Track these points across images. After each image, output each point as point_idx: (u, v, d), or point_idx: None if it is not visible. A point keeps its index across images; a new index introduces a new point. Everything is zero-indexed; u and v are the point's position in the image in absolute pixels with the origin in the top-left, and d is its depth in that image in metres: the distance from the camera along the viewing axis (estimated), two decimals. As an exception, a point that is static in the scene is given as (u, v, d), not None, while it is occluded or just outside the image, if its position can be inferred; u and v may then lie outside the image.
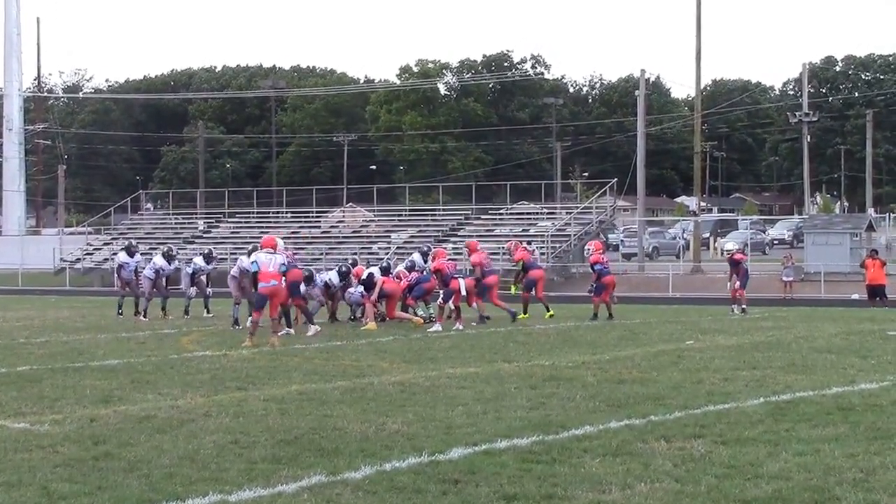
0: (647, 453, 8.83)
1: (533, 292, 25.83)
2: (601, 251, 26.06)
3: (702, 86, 58.76)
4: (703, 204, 69.21)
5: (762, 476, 8.05)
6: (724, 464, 8.45)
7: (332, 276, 23.87)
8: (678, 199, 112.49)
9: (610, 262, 27.93)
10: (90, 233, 63.09)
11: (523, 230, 50.36)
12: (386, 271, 23.72)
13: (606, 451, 8.90)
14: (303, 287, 21.89)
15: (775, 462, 8.52)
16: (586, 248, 26.57)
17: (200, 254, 28.54)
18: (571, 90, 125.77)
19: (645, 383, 13.05)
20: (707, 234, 62.23)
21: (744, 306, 27.38)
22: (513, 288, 26.78)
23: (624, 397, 11.86)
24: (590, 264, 25.87)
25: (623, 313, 26.06)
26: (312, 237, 54.35)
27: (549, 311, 25.34)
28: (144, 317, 25.48)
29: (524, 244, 28.72)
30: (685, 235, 60.53)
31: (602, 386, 12.81)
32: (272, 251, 19.02)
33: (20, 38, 72.97)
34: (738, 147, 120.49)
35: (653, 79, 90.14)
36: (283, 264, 19.05)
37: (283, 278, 19.14)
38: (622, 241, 63.50)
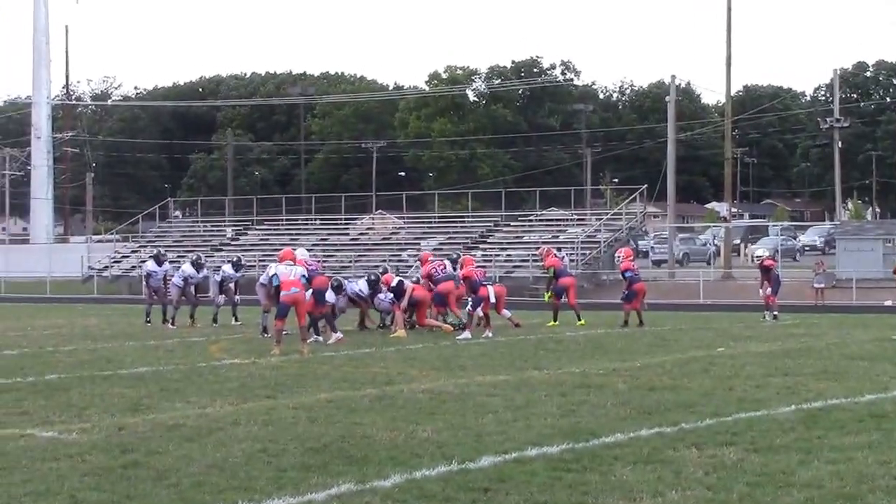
0: (678, 461, 8.77)
1: (564, 300, 25.73)
2: (631, 258, 25.98)
3: (732, 92, 58.48)
4: (733, 210, 68.75)
5: (794, 484, 8.00)
6: (756, 472, 8.39)
7: (362, 286, 23.84)
8: (709, 206, 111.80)
9: (640, 269, 27.81)
10: (118, 240, 63.13)
11: (553, 237, 50.21)
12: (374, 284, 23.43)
13: (637, 458, 8.85)
14: (332, 295, 21.86)
15: (807, 470, 8.45)
16: (616, 255, 26.48)
17: (229, 261, 28.57)
18: (601, 96, 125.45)
19: (676, 390, 12.98)
20: (738, 241, 61.86)
21: (775, 313, 27.24)
22: (545, 296, 26.64)
23: (655, 404, 11.79)
24: (621, 271, 25.77)
25: (653, 320, 25.93)
26: (341, 244, 54.39)
27: (580, 319, 25.23)
28: (173, 325, 25.55)
29: (555, 251, 28.63)
30: (716, 242, 60.22)
31: (633, 393, 12.76)
32: (291, 263, 19.11)
33: (48, 47, 73.18)
34: (769, 153, 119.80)
35: (683, 85, 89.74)
36: (304, 275, 19.11)
37: (306, 287, 19.21)
38: (652, 247, 63.24)
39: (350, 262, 49.03)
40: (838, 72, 67.46)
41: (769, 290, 27.46)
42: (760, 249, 31.94)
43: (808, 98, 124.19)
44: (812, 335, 22.12)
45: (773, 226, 75.35)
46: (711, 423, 10.56)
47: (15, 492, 7.84)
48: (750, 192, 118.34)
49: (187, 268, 26.63)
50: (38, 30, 72.27)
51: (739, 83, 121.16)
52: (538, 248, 33.35)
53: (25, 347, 19.88)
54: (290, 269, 18.79)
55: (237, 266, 27.46)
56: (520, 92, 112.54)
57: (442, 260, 25.31)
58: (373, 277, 24.05)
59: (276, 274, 18.93)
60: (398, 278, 23.83)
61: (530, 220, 54.24)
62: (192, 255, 28.92)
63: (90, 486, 7.99)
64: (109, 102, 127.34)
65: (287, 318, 18.65)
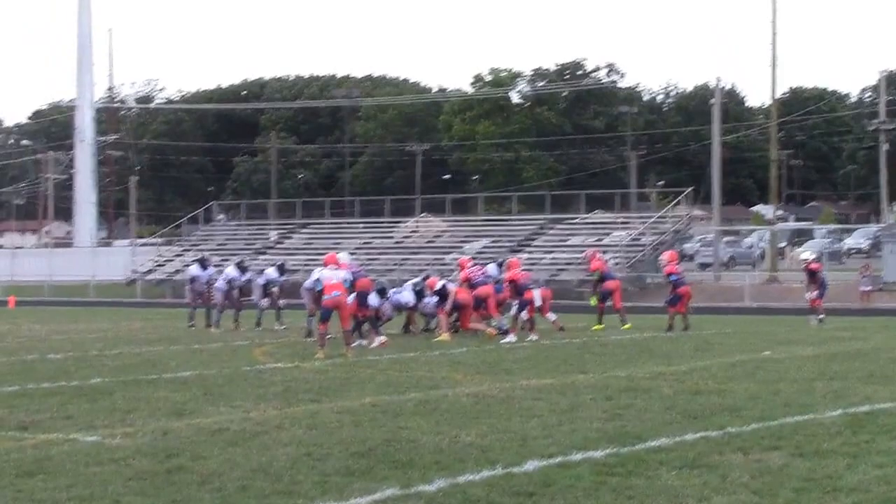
0: (724, 465, 8.72)
1: (610, 303, 25.64)
2: (676, 262, 25.84)
3: (778, 94, 58.01)
4: (779, 213, 68.12)
5: (841, 489, 7.93)
6: (803, 476, 8.33)
7: (408, 297, 23.75)
8: (754, 208, 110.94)
9: (685, 273, 27.68)
10: (162, 244, 63.40)
11: (598, 240, 50.01)
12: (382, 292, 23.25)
13: (683, 463, 8.81)
14: (375, 299, 21.85)
15: (854, 474, 8.38)
16: (660, 258, 26.32)
17: (273, 265, 28.67)
18: (646, 98, 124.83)
19: (721, 394, 12.89)
20: (783, 244, 61.33)
21: (821, 316, 27.01)
22: (592, 299, 26.52)
23: (700, 409, 11.72)
24: (665, 275, 25.64)
25: (699, 324, 25.77)
26: (385, 248, 54.45)
27: (625, 323, 25.12)
28: (217, 328, 25.68)
29: (600, 254, 28.54)
30: (761, 245, 59.72)
31: (678, 397, 12.68)
32: (336, 267, 19.17)
33: (92, 50, 73.52)
34: (815, 155, 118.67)
35: (728, 87, 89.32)
36: (346, 279, 19.16)
37: (349, 290, 19.27)
38: (698, 250, 62.83)
39: (394, 265, 49.08)
40: (884, 73, 66.72)
41: (815, 293, 27.26)
42: (806, 252, 31.59)
43: (854, 100, 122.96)
44: (858, 338, 21.90)
45: (819, 228, 74.63)
46: (757, 427, 10.48)
47: (59, 496, 7.87)
48: (795, 194, 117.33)
49: (231, 270, 26.77)
50: (82, 33, 72.55)
51: (785, 85, 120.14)
52: (583, 251, 33.19)
53: (70, 351, 20.04)
54: (333, 273, 18.87)
55: (281, 269, 27.57)
56: (564, 94, 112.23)
57: (482, 264, 25.32)
58: (417, 287, 24.02)
59: (319, 278, 19.01)
60: (442, 282, 23.81)
61: (575, 224, 54.04)
62: (237, 257, 29.01)
63: (134, 491, 8.02)
64: (153, 105, 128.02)
65: (331, 321, 18.68)
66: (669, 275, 25.03)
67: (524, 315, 22.72)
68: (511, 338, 21.63)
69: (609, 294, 25.65)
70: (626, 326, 24.83)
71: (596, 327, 24.71)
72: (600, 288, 25.79)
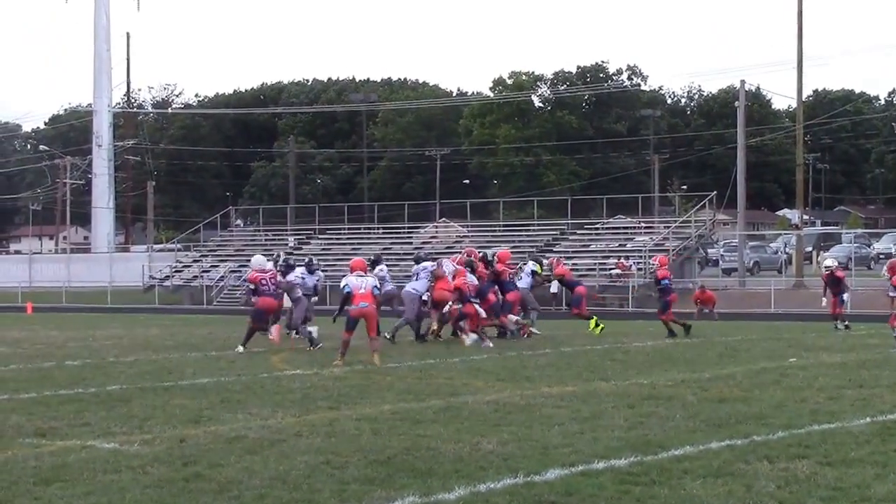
0: (750, 474, 8.62)
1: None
2: (667, 266, 25.60)
3: (804, 96, 57.69)
4: (805, 217, 67.83)
5: (869, 499, 7.83)
6: (830, 486, 8.22)
7: (420, 286, 23.58)
8: (780, 213, 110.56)
9: (707, 278, 27.63)
10: (179, 249, 63.42)
11: (620, 245, 49.89)
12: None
13: (707, 472, 8.71)
14: None
15: (883, 484, 8.26)
16: (651, 262, 25.92)
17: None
18: (669, 101, 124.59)
19: (747, 402, 12.76)
20: (810, 248, 60.96)
21: (846, 322, 26.92)
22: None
23: (725, 417, 11.59)
24: (657, 279, 25.24)
25: (723, 330, 25.62)
26: (404, 253, 54.38)
27: (596, 325, 24.96)
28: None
29: (564, 260, 28.74)
30: (787, 250, 59.38)
31: (702, 405, 12.55)
32: (362, 274, 19.07)
33: (110, 54, 73.64)
34: (842, 158, 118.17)
35: (753, 89, 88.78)
36: (376, 286, 19.05)
37: (379, 297, 19.26)
38: (722, 255, 62.46)
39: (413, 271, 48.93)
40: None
41: (842, 298, 27.23)
42: (829, 259, 31.15)
43: (882, 102, 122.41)
44: (887, 345, 21.64)
45: (847, 233, 74.15)
46: (784, 435, 10.36)
47: (76, 504, 7.83)
48: (822, 198, 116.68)
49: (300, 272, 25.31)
50: (99, 37, 72.69)
51: (811, 87, 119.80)
52: (608, 257, 33.10)
53: (87, 358, 20.01)
54: (361, 281, 18.72)
55: (310, 268, 26.54)
56: (585, 98, 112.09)
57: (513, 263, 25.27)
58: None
59: (346, 284, 18.93)
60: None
61: (597, 229, 53.91)
62: (305, 258, 28.13)
63: (152, 499, 7.97)
64: (170, 110, 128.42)
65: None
66: (661, 280, 24.63)
67: (513, 318, 22.80)
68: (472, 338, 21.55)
69: (581, 299, 25.54)
70: (598, 328, 24.73)
71: (593, 328, 24.66)
72: (572, 294, 25.98)
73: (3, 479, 8.64)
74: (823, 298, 27.91)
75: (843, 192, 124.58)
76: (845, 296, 27.65)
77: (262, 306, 21.54)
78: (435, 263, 23.52)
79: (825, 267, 28.65)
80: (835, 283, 27.26)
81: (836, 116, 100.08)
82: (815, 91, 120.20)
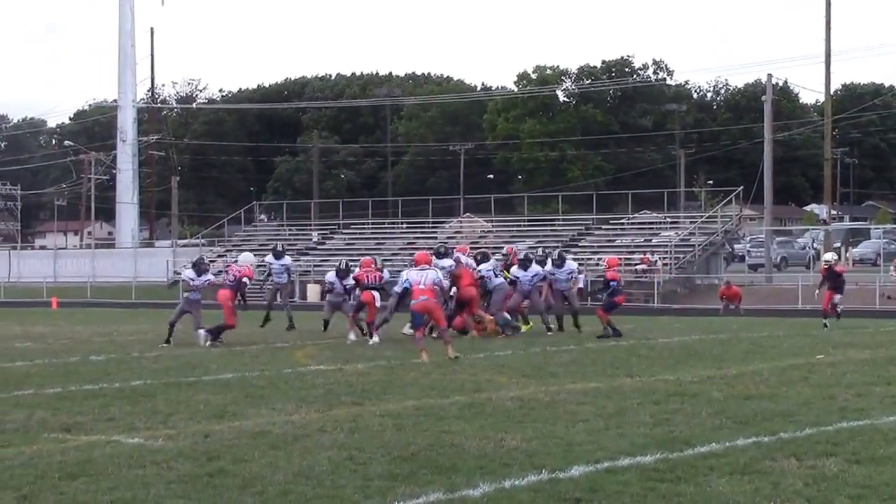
0: (777, 472, 8.55)
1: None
2: (616, 267, 24.90)
3: (832, 90, 57.29)
4: (833, 212, 67.40)
5: (899, 497, 7.72)
6: (859, 484, 8.14)
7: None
8: (807, 208, 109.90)
9: (731, 274, 27.31)
10: (203, 245, 63.47)
11: (645, 240, 49.70)
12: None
13: (734, 469, 8.64)
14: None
15: (913, 482, 8.16)
16: (601, 262, 24.75)
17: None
18: (695, 96, 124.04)
19: (773, 399, 12.66)
20: (838, 244, 60.65)
21: (826, 322, 26.04)
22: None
23: (751, 414, 11.50)
24: (605, 281, 24.09)
25: (750, 326, 25.45)
26: (428, 248, 54.26)
27: (527, 323, 24.65)
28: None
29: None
30: (815, 245, 59.08)
31: (728, 402, 12.46)
32: (427, 266, 19.12)
33: (134, 50, 73.71)
34: (871, 153, 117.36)
35: (780, 83, 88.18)
36: (439, 279, 19.05)
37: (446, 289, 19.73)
38: (748, 251, 62.29)
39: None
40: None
41: (837, 297, 26.37)
42: (829, 254, 30.45)
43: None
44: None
45: (875, 228, 73.73)
46: (811, 432, 10.27)
47: (101, 499, 7.85)
48: (850, 193, 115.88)
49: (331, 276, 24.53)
50: (123, 32, 72.78)
51: (839, 81, 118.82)
52: (632, 252, 32.81)
53: (111, 353, 20.03)
54: (422, 275, 18.70)
55: (341, 273, 26.33)
56: (610, 92, 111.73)
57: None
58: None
59: (406, 279, 18.96)
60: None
61: (622, 224, 53.71)
62: (336, 259, 28.05)
63: (176, 494, 7.97)
64: (194, 105, 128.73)
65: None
66: (610, 281, 23.76)
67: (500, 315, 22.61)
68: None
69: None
70: (527, 327, 24.49)
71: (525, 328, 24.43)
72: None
73: (28, 473, 8.67)
74: (818, 291, 27.32)
75: (871, 187, 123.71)
76: (837, 298, 26.47)
77: (364, 299, 22.05)
78: (453, 262, 23.29)
79: (824, 261, 27.84)
80: (833, 278, 26.30)
81: (864, 110, 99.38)
82: (844, 85, 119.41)
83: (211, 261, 58.15)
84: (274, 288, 26.78)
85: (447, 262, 22.94)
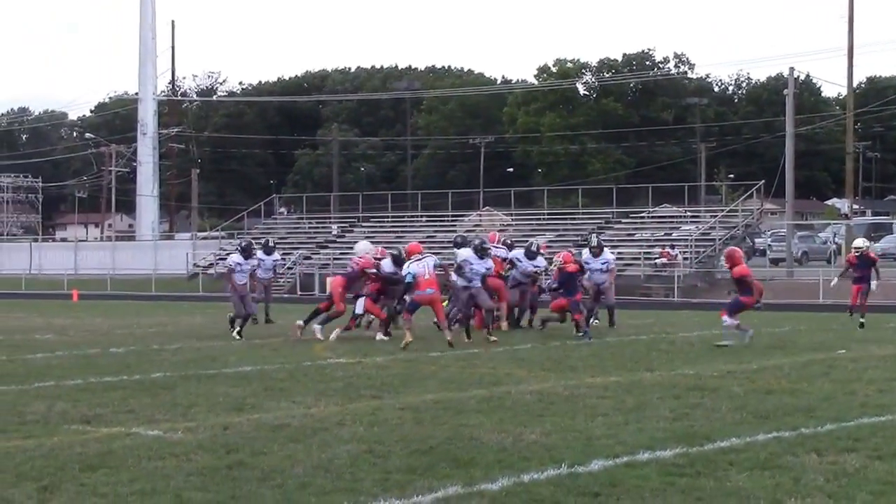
0: (798, 467, 8.50)
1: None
2: (572, 262, 23.75)
3: (855, 83, 56.98)
4: (855, 206, 67.10)
5: (920, 493, 7.66)
6: (881, 479, 8.08)
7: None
8: (829, 202, 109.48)
9: (752, 269, 26.75)
10: (223, 237, 63.57)
11: (666, 234, 49.60)
12: None
13: (754, 464, 8.60)
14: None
15: (935, 478, 8.11)
16: (555, 259, 23.45)
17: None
18: (716, 89, 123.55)
19: (794, 394, 12.60)
20: (860, 239, 60.33)
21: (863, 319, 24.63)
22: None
23: (772, 408, 11.45)
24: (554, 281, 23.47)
25: (770, 321, 25.32)
26: (448, 242, 54.27)
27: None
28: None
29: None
30: (836, 240, 58.78)
31: (749, 396, 12.40)
32: (421, 255, 19.17)
33: (155, 42, 73.84)
34: (894, 147, 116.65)
35: (802, 77, 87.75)
36: (436, 264, 19.18)
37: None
38: (769, 245, 61.95)
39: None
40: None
41: (874, 283, 24.26)
42: (861, 240, 27.80)
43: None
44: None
45: (897, 222, 73.24)
46: (832, 428, 10.21)
47: (121, 491, 7.87)
48: (872, 187, 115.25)
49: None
50: (144, 25, 72.88)
51: (862, 74, 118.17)
52: (653, 245, 32.27)
53: (131, 345, 20.10)
54: (422, 266, 18.80)
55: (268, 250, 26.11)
56: (631, 85, 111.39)
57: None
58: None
59: (409, 272, 19.04)
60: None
61: (642, 217, 53.61)
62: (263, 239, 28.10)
63: (195, 486, 7.98)
64: (214, 98, 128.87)
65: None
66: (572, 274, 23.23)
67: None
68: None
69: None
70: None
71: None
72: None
73: (49, 464, 8.71)
74: (836, 279, 26.02)
75: (894, 182, 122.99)
76: (874, 285, 24.40)
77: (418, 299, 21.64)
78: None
79: (855, 248, 25.43)
80: (866, 266, 24.18)
81: (887, 104, 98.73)
82: (867, 78, 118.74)
83: (229, 253, 58.37)
84: (261, 283, 26.54)
85: (466, 252, 22.71)
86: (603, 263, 23.13)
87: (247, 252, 22.70)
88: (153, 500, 7.60)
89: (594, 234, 26.05)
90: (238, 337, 21.16)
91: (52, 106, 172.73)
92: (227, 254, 57.82)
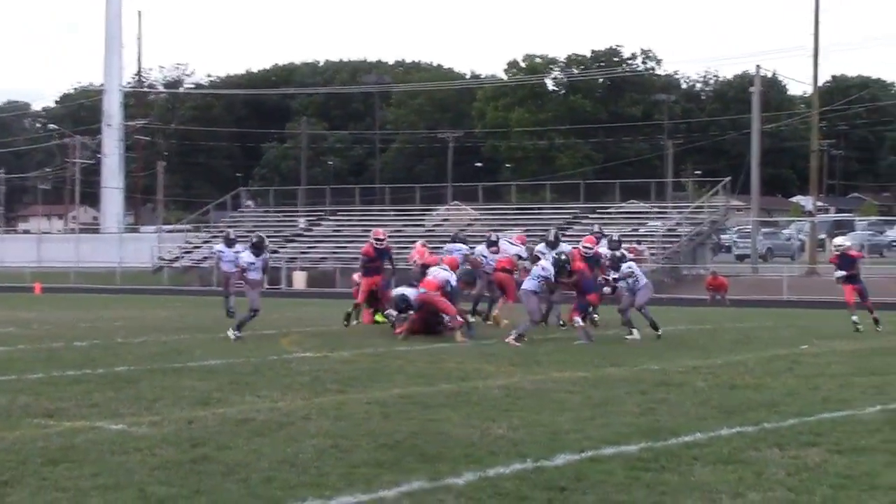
0: (760, 461, 8.58)
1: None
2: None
3: (820, 82, 57.39)
4: (819, 204, 67.51)
5: (879, 487, 7.78)
6: (840, 473, 8.17)
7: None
8: (793, 199, 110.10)
9: (720, 265, 27.02)
10: (189, 230, 63.30)
11: (633, 230, 49.74)
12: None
13: (717, 458, 8.68)
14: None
15: (893, 472, 8.24)
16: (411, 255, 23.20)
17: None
18: (684, 86, 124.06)
19: (758, 389, 12.71)
20: (823, 235, 60.76)
21: (876, 315, 23.57)
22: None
23: (736, 403, 11.54)
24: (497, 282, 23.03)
25: (735, 317, 25.48)
26: (416, 236, 54.25)
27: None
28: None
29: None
30: (800, 236, 59.24)
31: (713, 391, 12.50)
32: (445, 268, 20.22)
33: (121, 33, 73.23)
34: (857, 145, 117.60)
35: (768, 75, 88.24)
36: (449, 281, 19.83)
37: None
38: (735, 241, 62.36)
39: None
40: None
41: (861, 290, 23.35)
42: (841, 237, 27.39)
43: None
44: (900, 332, 21.54)
45: (860, 220, 73.89)
46: (794, 422, 10.31)
47: (83, 485, 7.81)
48: (836, 185, 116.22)
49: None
50: (110, 15, 72.22)
51: (827, 73, 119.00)
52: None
53: (95, 339, 19.92)
54: (435, 274, 19.56)
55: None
56: (599, 81, 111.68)
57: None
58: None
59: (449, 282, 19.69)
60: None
61: (610, 213, 53.74)
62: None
63: (159, 480, 7.94)
64: (182, 90, 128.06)
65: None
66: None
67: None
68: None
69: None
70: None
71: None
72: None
73: (11, 459, 8.64)
74: (838, 282, 25.29)
75: (857, 179, 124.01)
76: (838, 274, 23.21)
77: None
78: (467, 249, 23.17)
79: (835, 246, 24.72)
80: (848, 264, 23.25)
81: (852, 103, 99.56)
82: (832, 77, 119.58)
83: (195, 246, 58.19)
84: (224, 277, 26.25)
85: (462, 248, 22.90)
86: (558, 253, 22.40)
87: (230, 242, 22.64)
88: (116, 495, 7.55)
89: (555, 229, 26.00)
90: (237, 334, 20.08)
91: (16, 96, 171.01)
92: (195, 247, 58.01)
